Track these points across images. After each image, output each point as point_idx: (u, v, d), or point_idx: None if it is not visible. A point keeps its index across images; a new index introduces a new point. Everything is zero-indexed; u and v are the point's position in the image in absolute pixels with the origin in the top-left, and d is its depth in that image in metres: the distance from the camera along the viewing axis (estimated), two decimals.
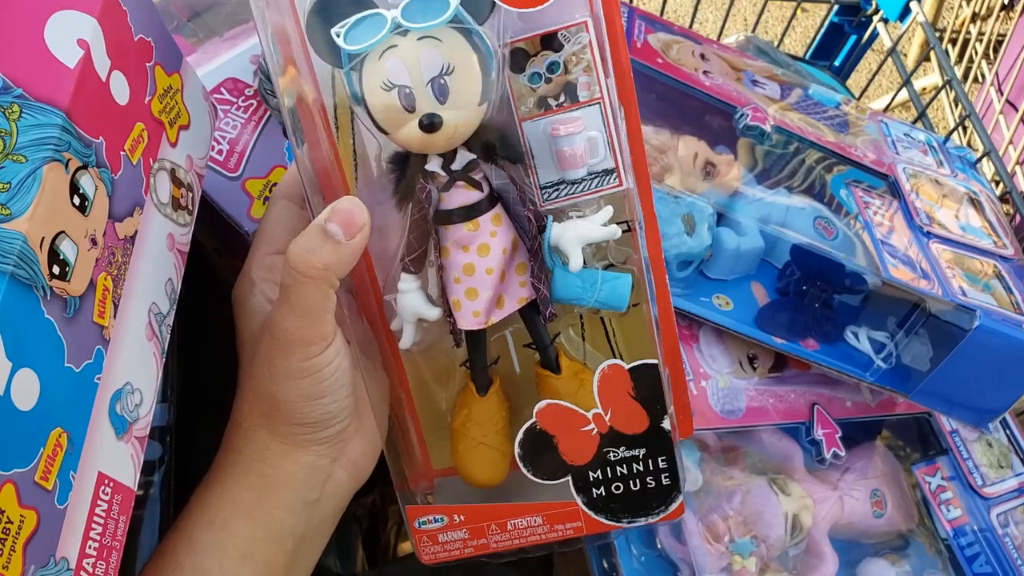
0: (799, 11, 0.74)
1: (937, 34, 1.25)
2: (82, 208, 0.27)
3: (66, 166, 0.26)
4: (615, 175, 0.34)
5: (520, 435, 0.36)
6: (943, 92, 1.17)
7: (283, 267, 0.32)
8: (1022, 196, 0.63)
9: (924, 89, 1.30)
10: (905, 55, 1.66)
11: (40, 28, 0.27)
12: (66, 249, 0.26)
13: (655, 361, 0.36)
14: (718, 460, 0.50)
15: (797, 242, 0.48)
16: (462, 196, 0.33)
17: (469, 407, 0.37)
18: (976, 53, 1.10)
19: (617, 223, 0.34)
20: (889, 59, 0.70)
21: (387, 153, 0.34)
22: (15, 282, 0.23)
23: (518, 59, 0.33)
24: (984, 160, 0.64)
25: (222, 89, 0.46)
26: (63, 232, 0.26)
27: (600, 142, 0.34)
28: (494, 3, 0.32)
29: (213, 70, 0.47)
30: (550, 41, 0.33)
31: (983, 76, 1.11)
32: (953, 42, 1.18)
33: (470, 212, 0.33)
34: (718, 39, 0.69)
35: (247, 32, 0.50)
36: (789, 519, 0.47)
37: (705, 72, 0.56)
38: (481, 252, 0.34)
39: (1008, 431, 0.57)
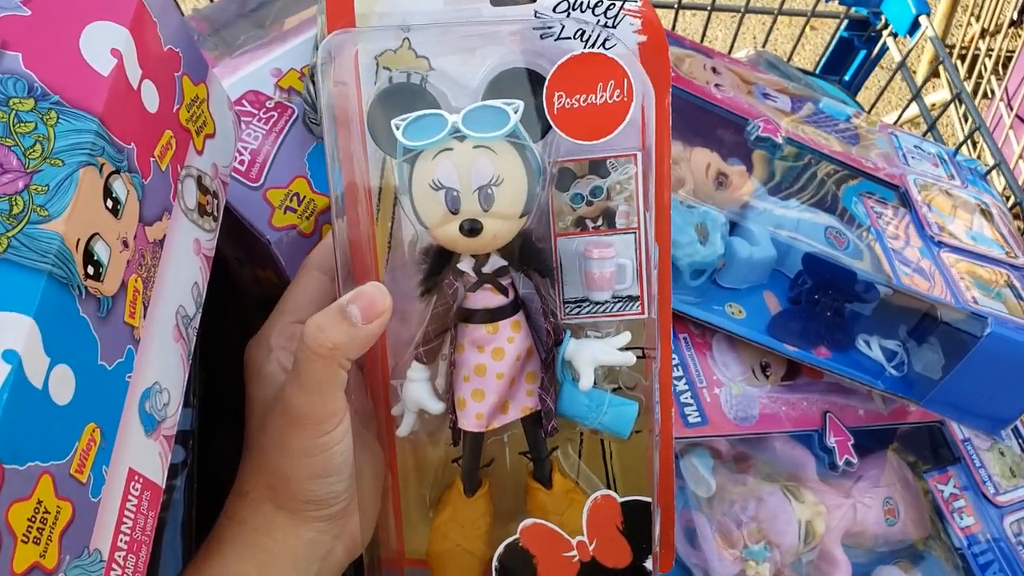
0: (808, 28, 0.75)
1: (946, 50, 1.26)
2: (115, 211, 0.28)
3: (100, 170, 0.27)
4: (638, 303, 0.36)
5: (501, 549, 0.36)
6: (952, 107, 1.18)
7: (298, 343, 0.33)
8: None
9: (933, 104, 1.31)
10: (914, 71, 1.67)
11: (76, 37, 0.28)
12: (100, 250, 0.27)
13: (648, 499, 0.36)
14: (730, 467, 0.51)
15: (809, 251, 0.48)
16: (487, 299, 0.34)
17: (454, 506, 0.37)
18: (985, 69, 1.11)
19: (633, 348, 0.35)
20: (898, 74, 0.71)
21: (422, 244, 0.35)
22: (53, 280, 0.24)
23: (564, 178, 0.35)
24: (994, 172, 0.65)
25: (244, 101, 0.48)
26: (97, 234, 0.27)
27: (629, 270, 0.35)
28: (551, 125, 0.33)
29: (235, 82, 0.48)
30: (597, 167, 0.35)
31: (992, 91, 1.12)
32: (962, 58, 1.19)
33: (492, 315, 0.34)
34: (728, 54, 0.70)
35: (267, 46, 0.51)
36: (803, 526, 0.47)
37: (717, 85, 0.57)
38: (496, 355, 0.34)
39: (1020, 439, 0.57)
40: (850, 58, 0.78)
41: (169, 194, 0.32)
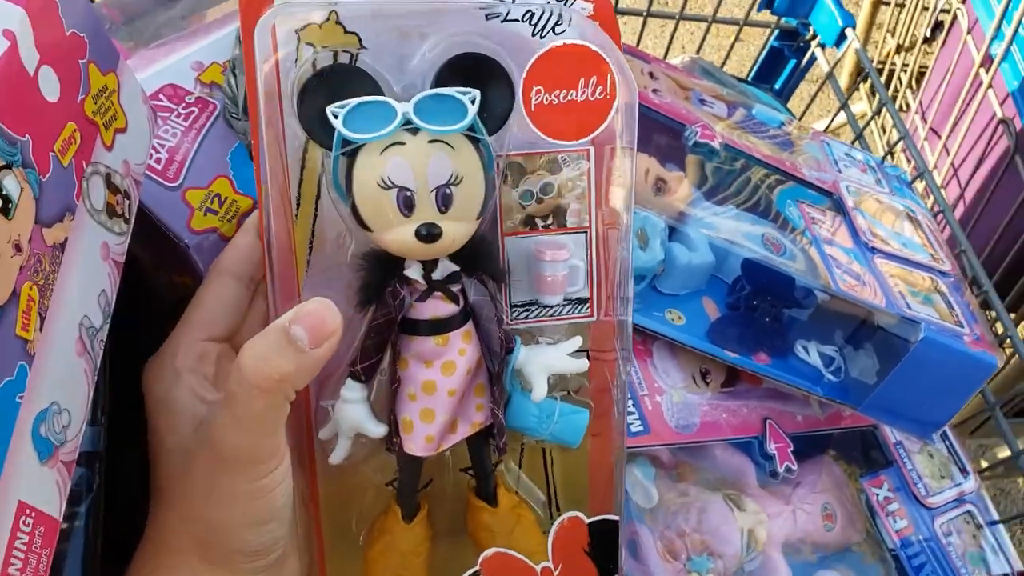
0: (737, 41, 0.76)
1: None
2: (4, 211, 0.25)
3: None
4: (588, 305, 0.34)
5: None
6: (872, 121, 1.21)
7: (232, 372, 0.28)
8: (953, 214, 0.65)
9: (858, 114, 1.35)
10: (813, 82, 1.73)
11: None
12: None
13: (616, 518, 0.34)
14: (672, 476, 0.50)
15: (748, 256, 0.48)
16: (437, 308, 0.31)
17: (391, 533, 0.34)
18: (901, 83, 1.15)
19: (580, 351, 0.33)
20: (826, 86, 0.72)
21: (359, 248, 0.31)
22: None
23: (514, 173, 0.32)
24: (917, 181, 0.66)
25: (161, 95, 0.44)
26: None
27: (581, 271, 0.33)
28: (508, 115, 0.30)
29: (151, 75, 0.45)
30: (549, 162, 0.32)
31: (908, 105, 1.16)
32: (879, 72, 1.23)
33: (442, 326, 0.31)
34: (663, 59, 0.70)
35: (187, 38, 0.48)
36: (745, 534, 0.47)
37: (654, 90, 0.57)
38: (446, 370, 0.31)
39: (947, 442, 0.59)
40: (780, 67, 0.79)
41: (72, 193, 0.29)
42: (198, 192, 0.43)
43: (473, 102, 0.29)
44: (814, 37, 0.73)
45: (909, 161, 1.15)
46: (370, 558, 0.34)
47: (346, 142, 0.28)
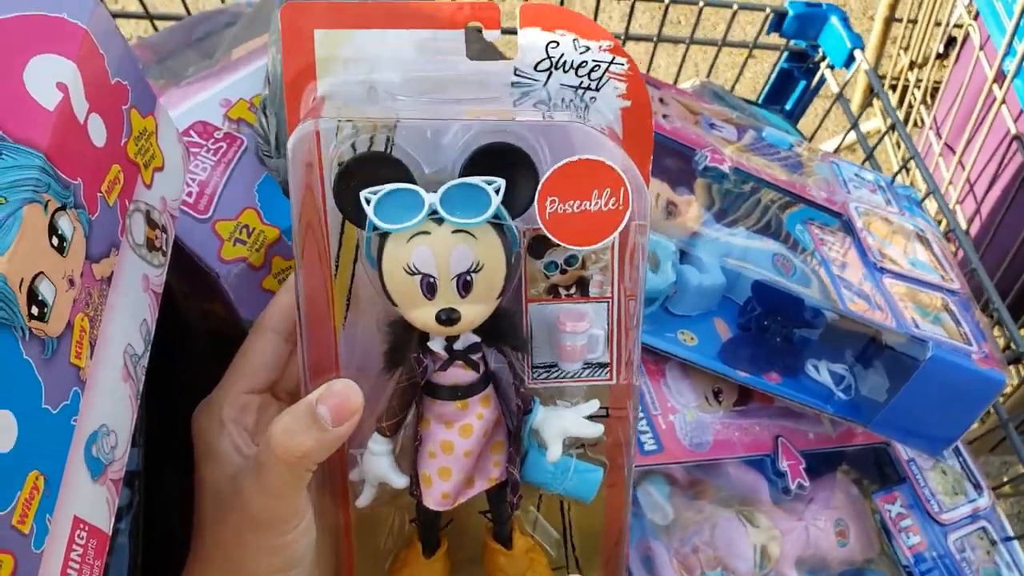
0: (749, 58, 0.77)
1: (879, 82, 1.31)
2: (60, 249, 0.27)
3: (45, 207, 0.26)
4: (608, 370, 0.35)
5: None
6: (886, 136, 1.22)
7: (263, 442, 0.31)
8: (964, 233, 0.66)
9: (868, 133, 1.36)
10: (849, 100, 1.74)
11: (20, 71, 0.27)
12: (44, 290, 0.26)
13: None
14: (687, 495, 0.51)
15: (758, 278, 0.49)
16: (458, 375, 0.33)
17: (411, 567, 0.36)
18: (915, 99, 1.16)
19: (598, 415, 0.35)
20: (837, 104, 0.74)
21: (387, 316, 0.33)
22: None
23: (539, 246, 0.34)
24: (928, 199, 0.67)
25: (191, 132, 0.47)
26: (42, 272, 0.26)
27: (601, 340, 0.35)
28: (531, 202, 0.31)
29: (182, 113, 0.47)
30: None
31: (922, 121, 1.16)
32: (893, 88, 1.24)
33: (462, 392, 0.33)
34: (674, 84, 0.72)
35: (215, 76, 0.51)
36: (758, 550, 0.48)
37: (664, 116, 0.58)
38: (463, 432, 0.33)
39: (960, 458, 0.59)
40: (791, 88, 0.80)
41: (117, 230, 0.31)
42: (227, 223, 0.45)
43: (498, 191, 0.30)
44: (823, 59, 0.75)
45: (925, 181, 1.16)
46: None
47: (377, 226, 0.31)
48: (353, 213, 0.31)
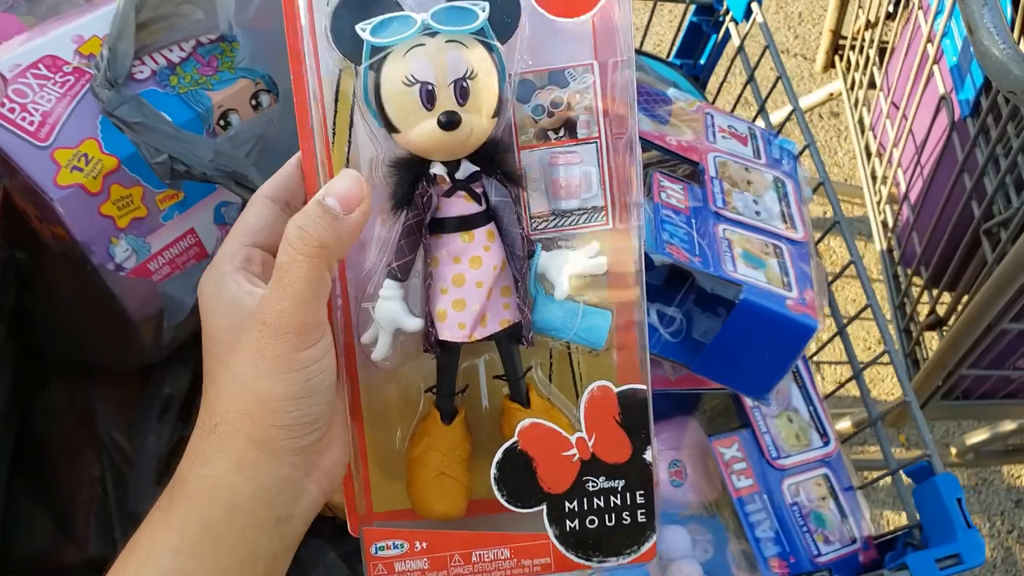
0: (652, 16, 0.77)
1: (843, 40, 1.29)
2: None
3: None
4: (603, 213, 0.36)
5: (499, 455, 0.35)
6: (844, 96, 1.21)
7: (280, 247, 0.32)
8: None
9: (830, 95, 1.34)
10: (803, 56, 1.71)
11: None
12: None
13: (644, 387, 0.36)
14: None
15: None
16: (461, 206, 0.34)
17: (431, 435, 0.36)
18: (869, 59, 1.14)
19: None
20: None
21: (389, 157, 0.34)
22: None
23: (525, 90, 0.35)
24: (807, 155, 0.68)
25: (39, 65, 0.49)
26: None
27: (594, 178, 0.35)
28: (515, 27, 0.33)
29: (34, 47, 0.50)
30: (556, 77, 0.35)
31: (876, 82, 1.15)
32: (853, 48, 1.22)
33: (467, 223, 0.34)
34: None
35: (76, 14, 0.53)
36: None
37: None
38: (473, 264, 0.34)
39: (811, 407, 0.61)
40: (701, 43, 0.80)
41: None
42: (66, 151, 0.48)
43: (483, 10, 0.32)
44: (727, 12, 0.75)
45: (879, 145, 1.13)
46: (412, 458, 0.37)
47: (375, 51, 0.32)
48: (350, 50, 0.33)
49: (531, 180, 0.36)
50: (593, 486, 0.36)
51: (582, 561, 0.36)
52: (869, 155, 1.15)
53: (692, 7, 0.78)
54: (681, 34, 0.80)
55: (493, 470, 0.35)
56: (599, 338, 0.36)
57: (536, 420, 0.35)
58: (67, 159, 0.47)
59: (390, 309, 0.35)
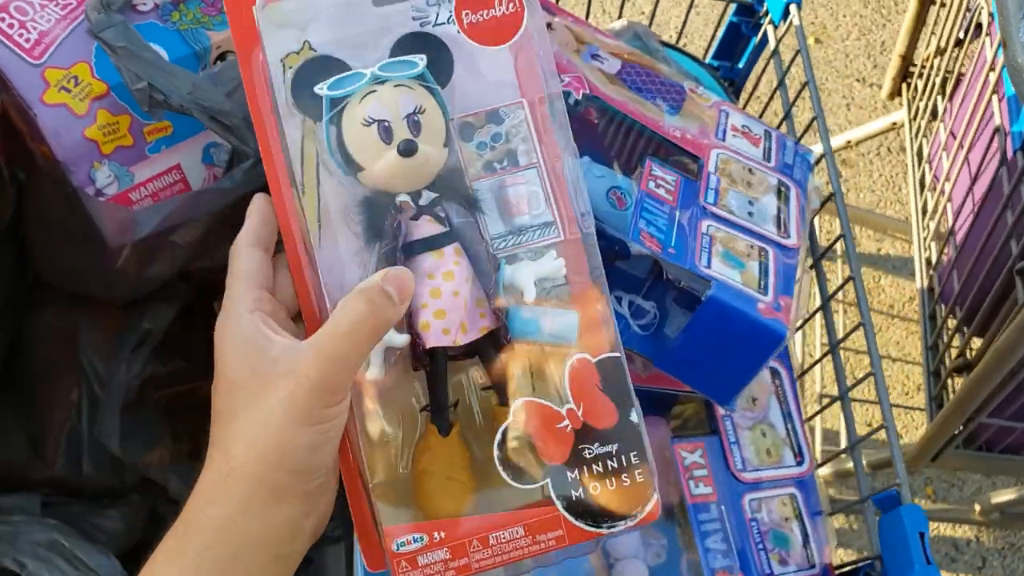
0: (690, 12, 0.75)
1: (912, 68, 1.23)
2: None
3: None
4: (554, 227, 0.40)
5: (498, 436, 0.38)
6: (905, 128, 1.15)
7: (341, 314, 0.35)
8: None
9: (893, 124, 1.29)
10: (879, 86, 1.62)
11: None
12: None
13: (618, 354, 0.39)
14: None
15: None
16: (427, 228, 0.38)
17: (432, 449, 0.39)
18: (934, 87, 1.09)
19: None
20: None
21: (356, 198, 0.38)
22: None
23: (467, 131, 0.40)
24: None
25: None
26: None
27: (540, 197, 0.40)
28: (450, 74, 0.39)
29: None
30: (493, 116, 0.40)
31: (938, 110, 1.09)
32: (921, 76, 1.16)
33: (435, 242, 0.38)
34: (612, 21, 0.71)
35: None
36: None
37: None
38: (447, 278, 0.38)
39: (789, 424, 0.58)
40: (740, 44, 0.78)
41: None
42: (57, 71, 0.49)
43: (422, 60, 0.38)
44: (767, 14, 0.72)
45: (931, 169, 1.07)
46: (417, 472, 0.38)
47: (333, 104, 0.37)
48: (311, 110, 0.38)
49: (485, 208, 0.39)
50: (589, 453, 0.38)
51: (593, 529, 0.38)
52: (923, 187, 1.09)
53: (732, 6, 0.75)
54: (719, 34, 0.78)
55: (495, 450, 0.38)
56: (571, 334, 0.39)
57: (529, 398, 0.38)
58: (57, 79, 0.49)
59: None
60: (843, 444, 1.05)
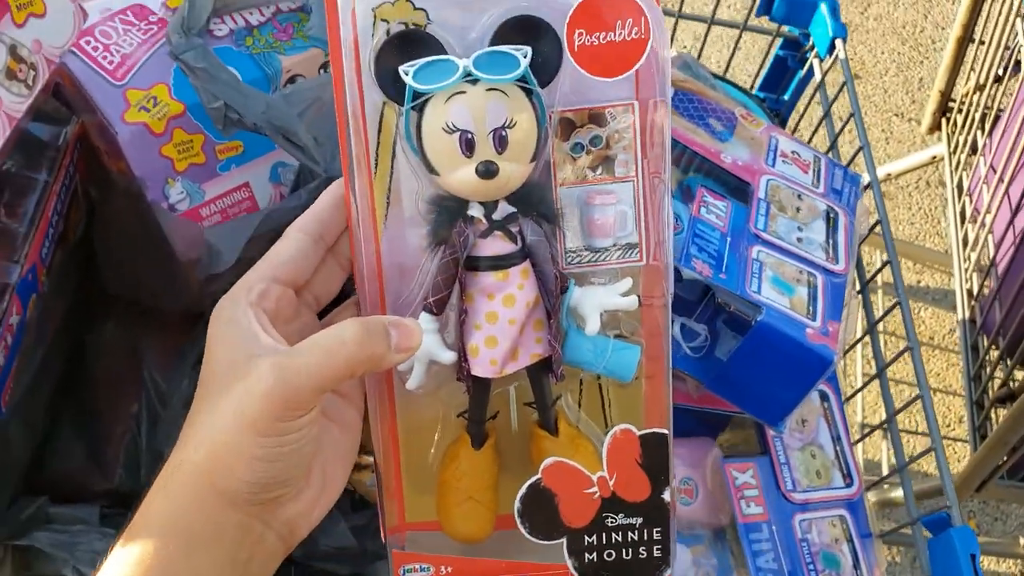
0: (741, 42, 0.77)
1: (951, 103, 1.24)
2: None
3: None
4: (638, 250, 0.36)
5: (523, 490, 0.36)
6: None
7: (329, 336, 0.33)
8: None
9: (933, 158, 1.29)
10: (917, 121, 1.62)
11: None
12: None
13: (665, 431, 0.37)
14: None
15: None
16: (497, 246, 0.35)
17: (461, 460, 0.37)
18: (974, 121, 1.09)
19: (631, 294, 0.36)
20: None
21: (429, 194, 0.35)
22: None
23: (565, 128, 0.36)
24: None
25: (128, 12, 0.53)
26: None
27: (629, 217, 0.36)
28: (557, 70, 0.34)
29: None
30: (596, 116, 0.35)
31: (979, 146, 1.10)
32: (961, 111, 1.17)
33: (502, 262, 0.35)
34: None
35: None
36: None
37: None
38: (507, 303, 0.35)
39: (839, 447, 0.58)
40: (786, 76, 0.79)
41: None
42: (138, 92, 0.51)
43: (525, 56, 0.33)
44: (813, 47, 0.74)
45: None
46: (443, 481, 0.38)
47: (416, 95, 0.33)
48: (392, 91, 0.33)
49: (567, 218, 0.36)
50: (612, 522, 0.37)
51: None
52: (963, 219, 1.10)
53: (779, 40, 0.77)
54: (766, 67, 0.79)
55: (517, 504, 0.36)
56: (628, 372, 0.36)
57: (559, 459, 0.36)
58: (137, 99, 0.51)
59: (426, 342, 0.35)
60: (884, 471, 1.04)
